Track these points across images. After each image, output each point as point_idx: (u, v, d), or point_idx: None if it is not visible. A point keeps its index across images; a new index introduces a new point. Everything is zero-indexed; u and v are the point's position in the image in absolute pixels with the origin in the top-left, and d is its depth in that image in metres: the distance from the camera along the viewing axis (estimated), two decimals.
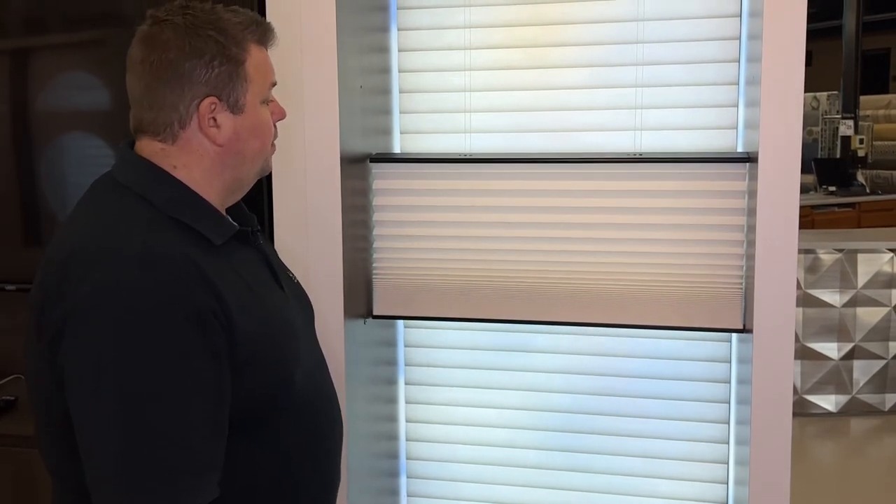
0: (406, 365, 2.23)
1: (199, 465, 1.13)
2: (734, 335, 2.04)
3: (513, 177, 2.02)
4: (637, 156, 2.00)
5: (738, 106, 1.98)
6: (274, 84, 1.32)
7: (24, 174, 2.44)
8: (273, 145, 1.34)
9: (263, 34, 1.29)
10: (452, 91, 2.12)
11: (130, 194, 1.22)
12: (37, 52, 2.43)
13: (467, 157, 2.10)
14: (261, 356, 1.23)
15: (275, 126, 1.34)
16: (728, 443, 2.08)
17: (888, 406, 4.59)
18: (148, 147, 1.26)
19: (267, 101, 1.31)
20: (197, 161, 1.25)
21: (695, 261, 1.94)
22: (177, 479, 1.11)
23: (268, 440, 1.27)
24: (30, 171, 2.43)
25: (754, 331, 1.81)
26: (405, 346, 2.22)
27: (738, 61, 1.96)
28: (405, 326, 2.22)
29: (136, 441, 1.10)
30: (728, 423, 2.08)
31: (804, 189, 8.03)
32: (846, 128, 9.42)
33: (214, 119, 1.24)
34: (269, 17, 1.97)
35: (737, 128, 1.98)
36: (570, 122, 2.07)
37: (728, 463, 2.08)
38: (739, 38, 1.96)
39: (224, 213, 1.31)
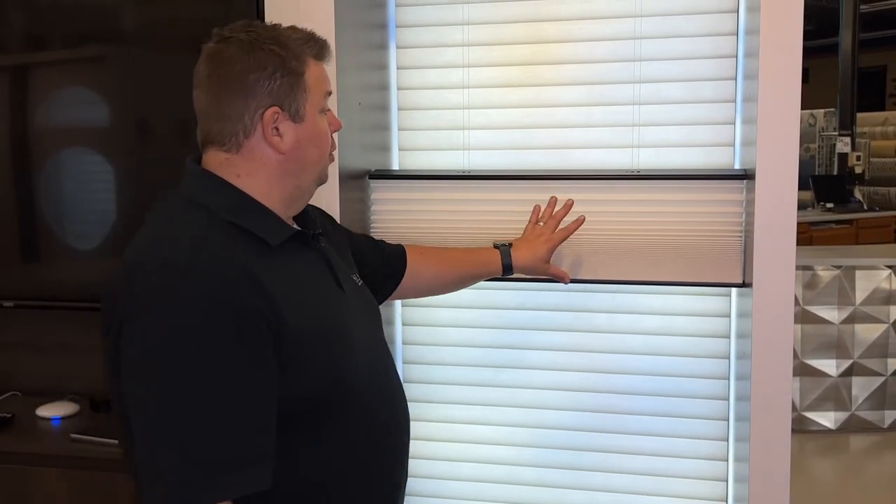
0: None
1: (243, 458, 1.18)
2: (733, 344, 2.04)
3: (511, 193, 2.02)
4: (635, 173, 2.00)
5: (735, 123, 1.99)
6: (329, 94, 1.39)
7: (23, 190, 2.44)
8: (331, 155, 1.42)
9: (320, 49, 1.37)
10: (451, 108, 2.13)
11: (189, 203, 1.29)
12: (36, 69, 2.44)
13: (466, 173, 2.10)
14: (312, 353, 1.27)
15: (332, 137, 1.41)
16: (728, 447, 2.08)
17: (887, 423, 4.58)
18: (214, 158, 1.33)
19: (324, 112, 1.38)
20: (260, 169, 1.32)
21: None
22: (220, 471, 1.15)
23: (328, 436, 1.31)
24: (28, 187, 2.43)
25: (753, 339, 1.81)
26: (403, 362, 2.22)
27: (735, 79, 1.97)
28: (403, 343, 2.22)
29: (179, 435, 1.15)
30: (727, 427, 2.07)
31: (801, 206, 8.05)
32: (843, 145, 9.45)
33: (277, 128, 1.31)
34: None
35: (734, 145, 1.99)
36: (568, 140, 2.07)
37: (728, 463, 2.08)
38: (736, 56, 1.97)
39: (286, 219, 1.36)
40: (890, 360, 4.55)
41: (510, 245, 1.89)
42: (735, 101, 1.98)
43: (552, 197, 1.94)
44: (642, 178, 1.98)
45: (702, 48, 1.99)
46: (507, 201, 2.03)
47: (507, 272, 1.85)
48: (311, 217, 1.46)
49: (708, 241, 1.94)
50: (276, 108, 1.30)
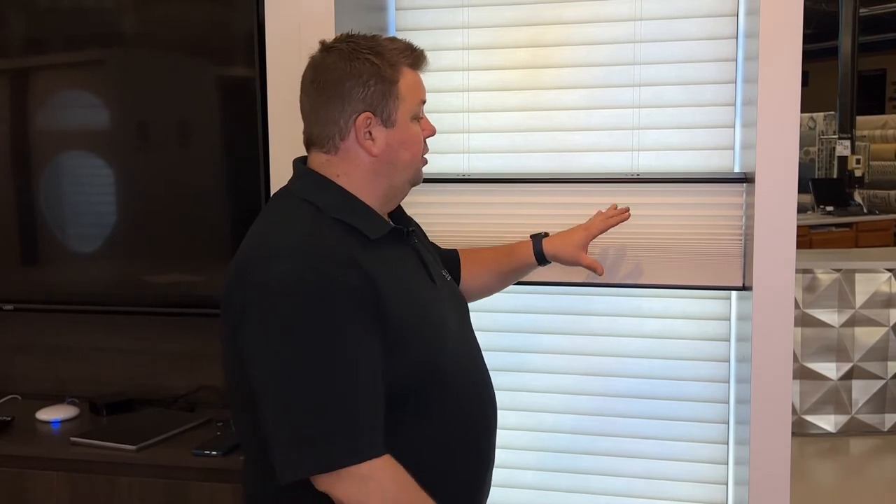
0: None
1: (358, 428, 1.27)
2: (733, 347, 2.04)
3: (511, 197, 2.02)
4: (634, 176, 2.01)
5: (734, 126, 1.99)
6: (423, 102, 1.48)
7: (23, 193, 2.44)
8: (424, 159, 1.51)
9: (417, 59, 1.46)
10: (451, 112, 2.13)
11: (299, 200, 1.40)
12: (36, 72, 2.44)
13: (466, 177, 2.10)
14: (411, 341, 1.36)
15: (425, 141, 1.50)
16: (728, 450, 2.08)
17: (887, 426, 4.58)
18: (317, 159, 1.44)
19: (417, 118, 1.47)
20: (356, 169, 1.42)
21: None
22: (336, 440, 1.25)
23: (421, 421, 1.39)
24: (28, 190, 2.43)
25: (753, 352, 1.81)
26: None
27: (735, 82, 1.97)
28: None
29: (301, 407, 1.26)
30: (727, 431, 2.07)
31: (801, 209, 8.06)
32: (843, 148, 9.46)
33: (370, 132, 1.41)
34: (268, 39, 2.00)
35: (734, 148, 1.99)
36: (569, 143, 2.08)
37: (728, 466, 2.08)
38: (736, 60, 1.97)
39: (383, 215, 1.47)
40: (890, 364, 4.55)
41: (545, 234, 1.85)
42: (735, 105, 1.98)
43: (614, 204, 1.89)
44: (642, 182, 1.98)
45: (701, 52, 1.99)
46: (507, 205, 2.04)
47: (539, 260, 1.82)
48: (405, 215, 1.57)
49: (708, 245, 1.94)
50: (368, 114, 1.40)
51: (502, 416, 2.15)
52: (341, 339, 1.27)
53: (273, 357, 1.28)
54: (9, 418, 2.29)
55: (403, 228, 1.49)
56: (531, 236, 1.85)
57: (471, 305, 2.11)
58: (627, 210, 1.85)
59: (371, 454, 1.27)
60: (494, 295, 2.12)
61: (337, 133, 1.41)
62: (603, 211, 1.87)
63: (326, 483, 1.27)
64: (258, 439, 1.32)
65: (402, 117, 1.43)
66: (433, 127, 1.52)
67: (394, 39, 1.45)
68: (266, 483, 1.34)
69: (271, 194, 1.95)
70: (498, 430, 2.15)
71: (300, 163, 1.48)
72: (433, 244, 1.77)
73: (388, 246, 1.41)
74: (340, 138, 1.41)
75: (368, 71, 1.39)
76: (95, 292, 2.41)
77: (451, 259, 1.80)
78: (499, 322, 2.15)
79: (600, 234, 1.83)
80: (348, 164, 1.42)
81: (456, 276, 1.79)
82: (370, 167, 1.42)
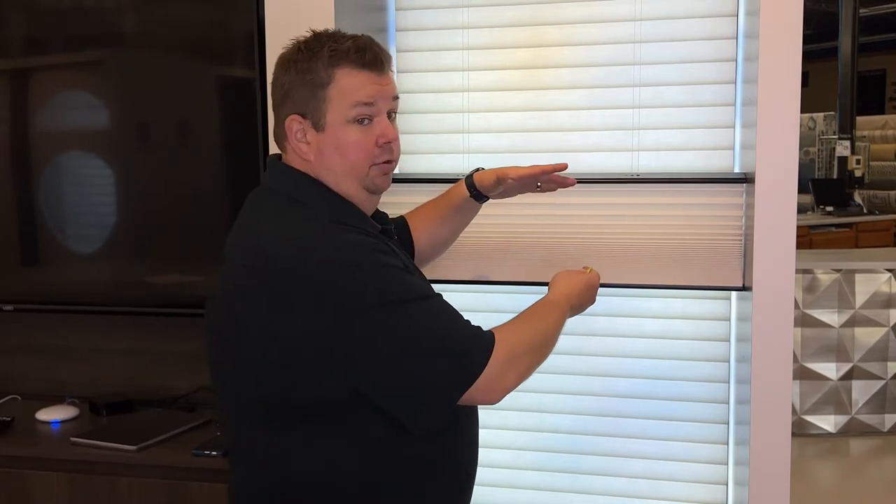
0: None
1: (472, 327, 1.34)
2: (732, 347, 2.04)
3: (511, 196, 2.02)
4: (634, 176, 2.00)
5: (734, 127, 1.99)
6: (364, 104, 1.35)
7: (22, 193, 2.44)
8: (378, 166, 1.39)
9: (360, 58, 1.35)
10: (451, 112, 2.13)
11: (284, 198, 1.37)
12: (36, 72, 2.44)
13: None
14: None
15: (380, 147, 1.38)
16: (728, 450, 2.08)
17: (887, 426, 4.58)
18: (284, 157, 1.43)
19: (359, 121, 1.36)
20: (304, 170, 1.38)
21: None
22: (471, 345, 1.31)
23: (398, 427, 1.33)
24: (28, 191, 2.43)
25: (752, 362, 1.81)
26: None
27: (735, 83, 1.97)
28: None
29: (429, 339, 1.29)
30: (727, 431, 2.07)
31: (801, 209, 8.06)
32: (843, 148, 9.46)
33: (306, 135, 1.37)
34: (268, 41, 2.00)
35: (734, 148, 1.99)
36: (569, 143, 2.08)
37: (728, 466, 2.08)
38: (736, 60, 1.97)
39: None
40: (890, 364, 4.54)
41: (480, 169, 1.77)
42: (735, 105, 1.98)
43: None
44: (642, 182, 1.98)
45: (701, 52, 1.99)
46: (506, 204, 2.03)
47: (471, 190, 1.73)
48: (381, 213, 1.52)
49: (708, 245, 1.94)
50: (295, 116, 1.36)
51: (503, 416, 2.17)
52: (409, 279, 1.32)
53: (371, 321, 1.25)
54: (9, 418, 2.29)
55: (390, 228, 1.49)
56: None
57: (470, 305, 2.13)
58: (565, 166, 1.70)
59: (491, 338, 1.31)
60: (494, 295, 2.12)
61: (281, 134, 1.40)
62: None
63: (486, 382, 1.29)
64: (265, 443, 1.32)
65: (334, 120, 1.35)
66: (389, 132, 1.38)
67: (343, 37, 1.37)
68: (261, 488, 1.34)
69: None
70: (498, 431, 2.17)
71: (275, 159, 1.44)
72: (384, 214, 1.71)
73: (387, 240, 1.42)
74: (285, 139, 1.39)
75: (302, 71, 1.35)
76: (95, 293, 2.41)
77: (401, 227, 1.74)
78: (499, 322, 2.15)
79: (530, 176, 1.69)
80: (299, 165, 1.39)
81: (409, 241, 1.75)
82: (314, 171, 1.38)
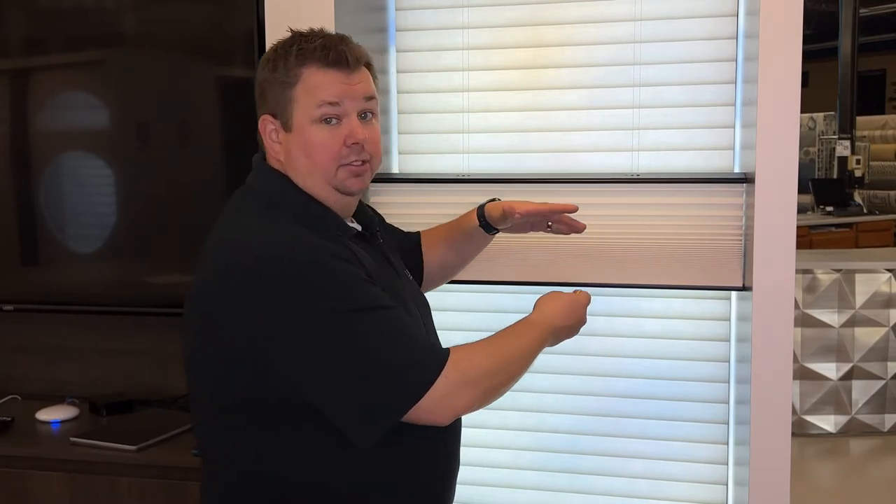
0: None
1: (426, 343, 1.30)
2: (732, 347, 2.04)
3: (511, 197, 2.01)
4: (634, 176, 2.01)
5: (734, 127, 1.99)
6: (330, 104, 1.33)
7: (22, 193, 2.44)
8: (346, 167, 1.35)
9: (324, 57, 1.33)
10: (451, 112, 2.13)
11: (257, 198, 1.38)
12: (36, 72, 2.44)
13: (465, 177, 2.10)
14: None
15: (349, 147, 1.35)
16: (728, 450, 2.08)
17: (887, 426, 4.58)
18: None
19: (325, 121, 1.34)
20: (283, 171, 1.38)
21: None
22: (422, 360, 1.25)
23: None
24: (28, 191, 2.43)
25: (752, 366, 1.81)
26: None
27: (735, 83, 1.97)
28: None
29: (376, 351, 1.24)
30: (727, 431, 2.07)
31: (801, 209, 8.05)
32: (843, 148, 9.46)
33: (278, 135, 1.37)
34: (268, 41, 1.99)
35: (734, 148, 1.99)
36: (568, 143, 2.08)
37: (728, 466, 2.08)
38: (736, 60, 1.97)
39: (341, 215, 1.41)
40: (890, 364, 4.54)
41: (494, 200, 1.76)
42: (735, 105, 1.98)
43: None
44: (642, 182, 1.98)
45: (701, 52, 1.99)
46: None
47: (481, 221, 1.70)
48: (370, 216, 1.52)
49: (708, 245, 1.94)
50: (267, 116, 1.37)
51: (503, 416, 2.17)
52: (365, 287, 1.27)
53: (313, 327, 1.22)
54: (9, 419, 2.29)
55: (366, 233, 1.44)
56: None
57: (470, 306, 2.14)
58: (576, 208, 1.68)
59: (444, 356, 1.26)
60: (494, 295, 2.12)
61: (259, 134, 1.40)
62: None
63: (432, 401, 1.24)
64: (233, 444, 1.31)
65: (300, 120, 1.33)
66: (358, 132, 1.34)
67: (314, 36, 1.36)
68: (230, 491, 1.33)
69: None
70: (498, 431, 2.17)
71: (260, 158, 1.44)
72: (397, 229, 1.73)
73: (358, 245, 1.38)
74: (262, 139, 1.40)
75: (273, 71, 1.35)
76: (95, 293, 2.41)
77: (414, 243, 1.74)
78: (500, 323, 2.13)
79: (538, 213, 1.67)
80: (276, 164, 1.39)
81: (420, 258, 1.74)
82: (288, 171, 1.37)
